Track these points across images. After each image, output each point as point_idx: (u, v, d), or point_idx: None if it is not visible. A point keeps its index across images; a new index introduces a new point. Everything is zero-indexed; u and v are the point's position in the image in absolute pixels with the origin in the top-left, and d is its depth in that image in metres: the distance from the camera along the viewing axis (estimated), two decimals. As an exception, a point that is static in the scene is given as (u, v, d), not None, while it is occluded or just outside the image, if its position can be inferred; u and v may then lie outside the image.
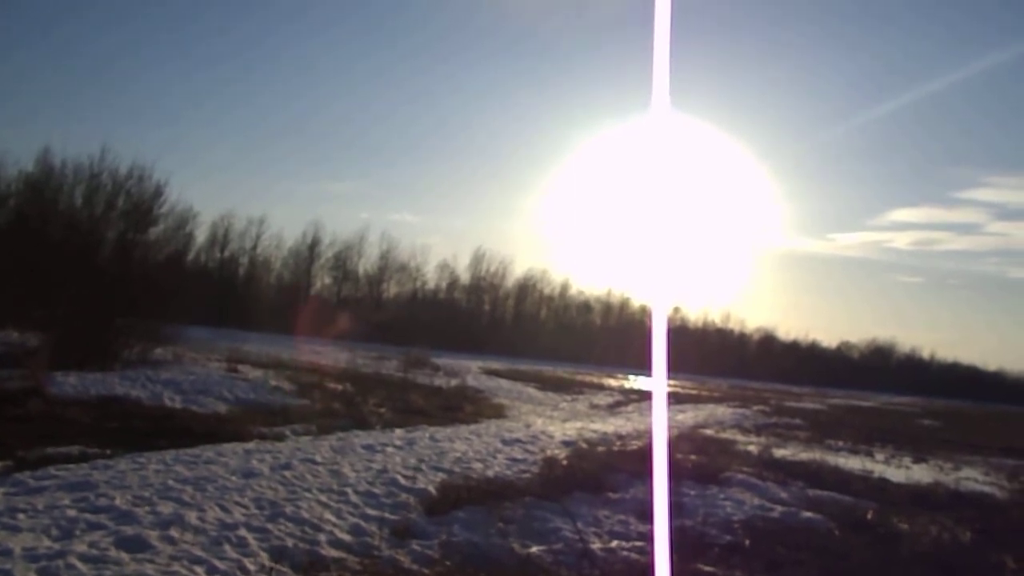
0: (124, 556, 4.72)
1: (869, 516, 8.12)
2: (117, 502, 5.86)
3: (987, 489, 12.39)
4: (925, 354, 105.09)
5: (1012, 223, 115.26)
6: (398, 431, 12.06)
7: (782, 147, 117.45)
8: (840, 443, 17.72)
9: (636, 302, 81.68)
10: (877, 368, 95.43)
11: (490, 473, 8.90)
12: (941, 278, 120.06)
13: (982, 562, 6.65)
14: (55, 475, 6.59)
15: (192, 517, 5.67)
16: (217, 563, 4.81)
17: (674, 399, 28.95)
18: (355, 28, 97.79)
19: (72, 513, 5.48)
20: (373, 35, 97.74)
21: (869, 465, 13.91)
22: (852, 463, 13.82)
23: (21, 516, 5.32)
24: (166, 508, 5.87)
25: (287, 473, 7.71)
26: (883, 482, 11.42)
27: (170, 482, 6.75)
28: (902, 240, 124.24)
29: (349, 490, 7.21)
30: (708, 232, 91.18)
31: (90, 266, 17.89)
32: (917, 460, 15.87)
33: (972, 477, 13.96)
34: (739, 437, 16.72)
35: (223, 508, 6.08)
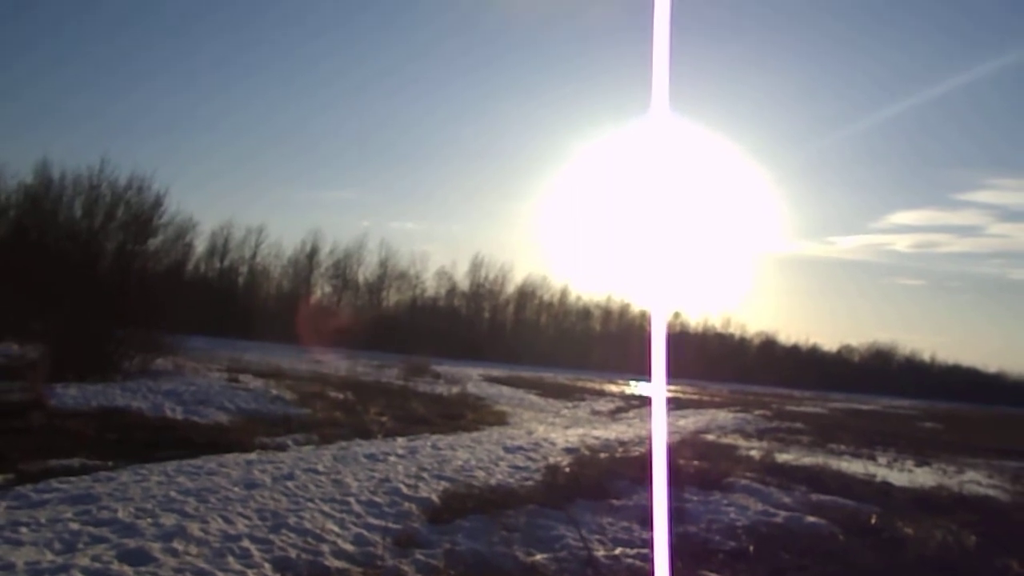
0: (127, 569, 4.70)
1: (872, 520, 8.10)
2: (119, 515, 5.85)
3: (991, 492, 12.36)
4: (926, 357, 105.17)
5: (1013, 225, 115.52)
6: (400, 440, 12.04)
7: (782, 151, 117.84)
8: (842, 447, 17.69)
9: (636, 307, 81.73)
10: (878, 371, 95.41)
11: (493, 481, 8.88)
12: (942, 280, 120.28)
13: (987, 567, 6.63)
14: (57, 488, 6.58)
15: (195, 529, 5.65)
16: (220, 574, 4.79)
17: (675, 404, 28.92)
18: (353, 37, 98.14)
19: (75, 526, 5.47)
20: (372, 44, 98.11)
21: (872, 469, 13.88)
22: (855, 467, 13.78)
23: (23, 530, 5.30)
24: (168, 520, 5.86)
25: (289, 483, 7.69)
26: (886, 486, 11.39)
27: (172, 493, 6.74)
28: (903, 243, 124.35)
29: (352, 500, 7.19)
30: (708, 237, 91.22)
31: (90, 277, 17.89)
32: (920, 463, 15.85)
33: (975, 480, 13.93)
34: (741, 442, 16.69)
35: (226, 519, 6.07)
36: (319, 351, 37.33)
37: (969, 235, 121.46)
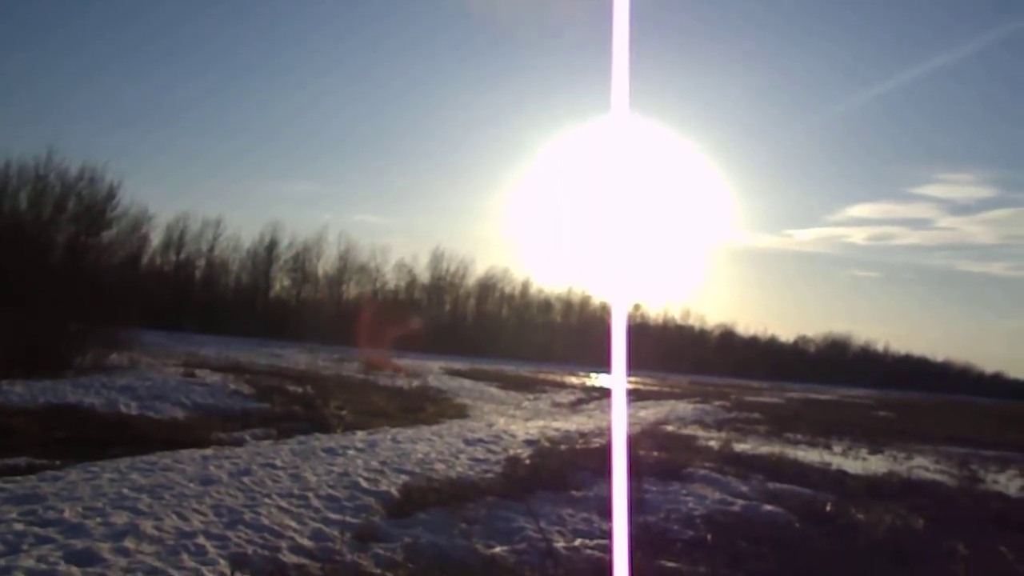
0: (74, 570, 4.57)
1: (828, 508, 8.26)
2: (67, 514, 5.68)
3: (938, 477, 12.73)
4: (880, 347, 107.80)
5: (961, 218, 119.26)
6: (360, 433, 11.93)
7: (741, 146, 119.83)
8: (799, 436, 18.03)
9: (597, 300, 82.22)
10: (834, 361, 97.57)
11: (453, 474, 8.85)
12: (895, 272, 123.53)
13: (935, 549, 6.81)
14: (1, 488, 6.37)
15: (148, 526, 5.52)
16: (174, 573, 4.69)
17: (635, 396, 29.19)
18: (315, 28, 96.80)
19: (19, 527, 5.30)
20: (334, 35, 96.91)
21: (827, 457, 14.18)
22: (811, 456, 14.07)
23: (-35, 531, 5.12)
24: (120, 518, 5.71)
25: (246, 479, 7.56)
26: (841, 474, 11.64)
27: (125, 491, 6.57)
28: (859, 235, 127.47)
29: (310, 494, 7.10)
30: (668, 230, 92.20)
31: (39, 270, 17.35)
32: (873, 451, 16.23)
33: (924, 466, 14.32)
34: (700, 432, 16.91)
35: (180, 516, 5.94)
36: (279, 345, 36.83)
37: (920, 228, 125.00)
